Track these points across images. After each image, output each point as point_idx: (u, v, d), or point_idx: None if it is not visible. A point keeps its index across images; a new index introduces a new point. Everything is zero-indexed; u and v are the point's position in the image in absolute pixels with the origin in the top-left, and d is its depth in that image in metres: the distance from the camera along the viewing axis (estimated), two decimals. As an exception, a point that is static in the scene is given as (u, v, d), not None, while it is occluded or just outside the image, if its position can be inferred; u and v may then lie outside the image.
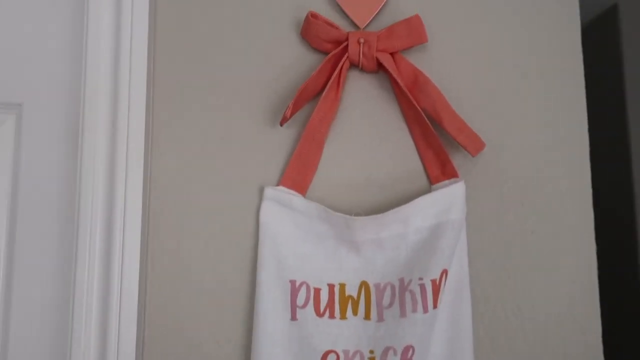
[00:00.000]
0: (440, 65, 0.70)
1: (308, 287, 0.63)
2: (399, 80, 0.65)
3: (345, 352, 0.62)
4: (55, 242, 0.69)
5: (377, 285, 0.63)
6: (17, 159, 0.78)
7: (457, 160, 0.68)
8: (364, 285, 0.63)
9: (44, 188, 0.75)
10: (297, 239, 0.65)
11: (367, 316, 0.63)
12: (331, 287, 0.63)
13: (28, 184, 0.76)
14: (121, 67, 0.68)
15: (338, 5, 0.70)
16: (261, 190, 0.67)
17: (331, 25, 0.67)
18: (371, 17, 0.69)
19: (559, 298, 0.67)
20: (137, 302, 0.64)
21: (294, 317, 0.62)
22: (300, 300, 0.62)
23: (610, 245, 1.04)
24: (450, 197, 0.64)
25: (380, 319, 0.62)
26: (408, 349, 0.60)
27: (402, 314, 0.61)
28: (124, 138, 0.67)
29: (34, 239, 0.70)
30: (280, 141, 0.69)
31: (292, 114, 0.64)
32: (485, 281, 0.67)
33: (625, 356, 1.17)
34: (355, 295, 0.63)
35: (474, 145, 0.65)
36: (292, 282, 0.63)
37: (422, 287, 0.61)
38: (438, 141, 0.66)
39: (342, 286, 0.63)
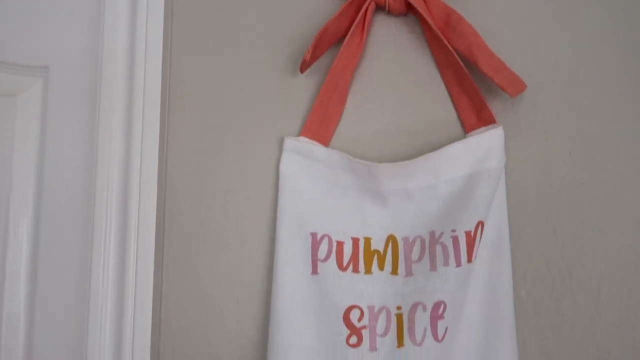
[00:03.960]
0: (475, 4, 0.64)
1: (330, 240, 0.59)
2: (429, 20, 0.60)
3: (370, 307, 0.57)
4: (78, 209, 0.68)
5: (405, 239, 0.58)
6: (43, 124, 0.77)
7: (496, 106, 0.62)
8: (391, 239, 0.59)
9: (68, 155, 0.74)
10: (318, 192, 0.60)
11: (394, 271, 0.58)
12: (355, 240, 0.59)
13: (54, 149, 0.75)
14: (138, 24, 0.66)
15: (363, -55, 0.66)
16: (281, 142, 0.63)
17: (355, -37, 0.62)
18: (398, -46, 0.63)
19: (613, 258, 0.59)
20: (154, 255, 0.62)
21: (314, 271, 0.58)
22: (322, 253, 0.58)
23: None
24: (487, 143, 0.58)
25: (409, 273, 0.57)
26: (439, 304, 0.54)
27: (432, 267, 0.56)
28: (140, 92, 0.65)
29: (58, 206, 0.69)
30: (301, 90, 0.65)
31: (312, 59, 0.60)
32: (528, 238, 0.60)
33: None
34: (382, 249, 0.58)
35: (514, 86, 0.58)
36: (313, 235, 0.59)
37: (455, 240, 0.55)
38: (473, 85, 0.60)
39: (368, 240, 0.59)
